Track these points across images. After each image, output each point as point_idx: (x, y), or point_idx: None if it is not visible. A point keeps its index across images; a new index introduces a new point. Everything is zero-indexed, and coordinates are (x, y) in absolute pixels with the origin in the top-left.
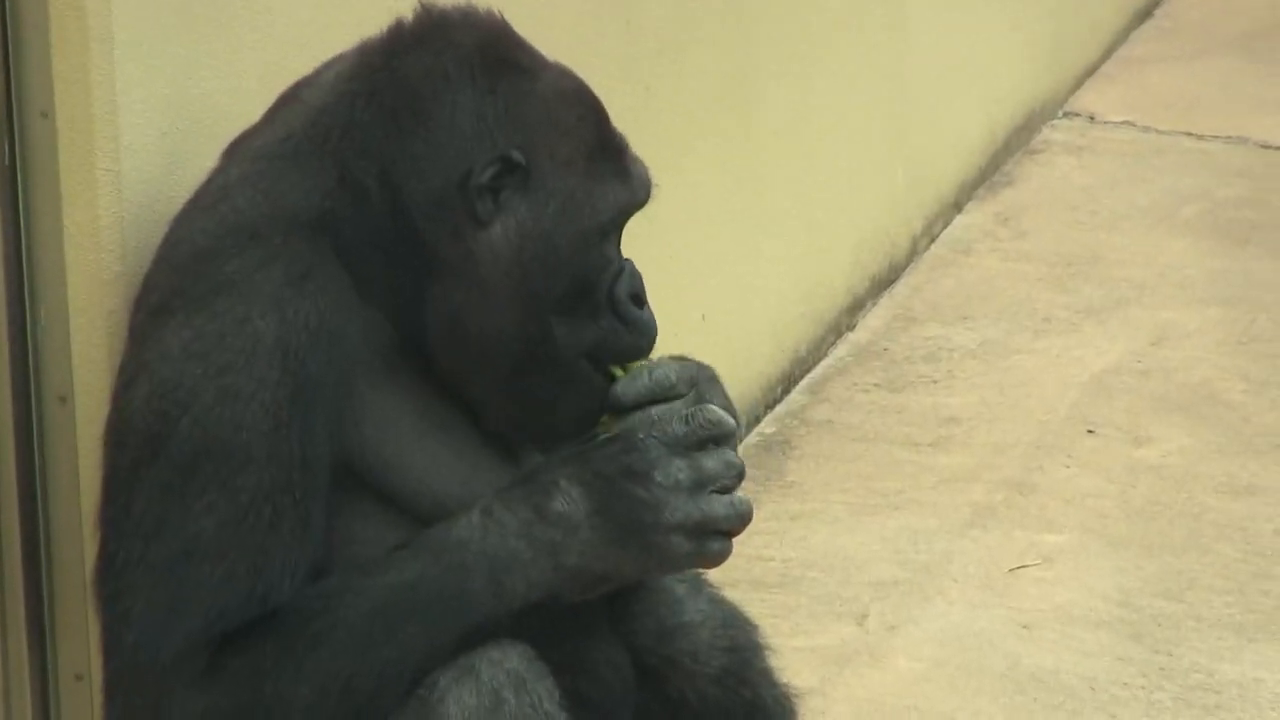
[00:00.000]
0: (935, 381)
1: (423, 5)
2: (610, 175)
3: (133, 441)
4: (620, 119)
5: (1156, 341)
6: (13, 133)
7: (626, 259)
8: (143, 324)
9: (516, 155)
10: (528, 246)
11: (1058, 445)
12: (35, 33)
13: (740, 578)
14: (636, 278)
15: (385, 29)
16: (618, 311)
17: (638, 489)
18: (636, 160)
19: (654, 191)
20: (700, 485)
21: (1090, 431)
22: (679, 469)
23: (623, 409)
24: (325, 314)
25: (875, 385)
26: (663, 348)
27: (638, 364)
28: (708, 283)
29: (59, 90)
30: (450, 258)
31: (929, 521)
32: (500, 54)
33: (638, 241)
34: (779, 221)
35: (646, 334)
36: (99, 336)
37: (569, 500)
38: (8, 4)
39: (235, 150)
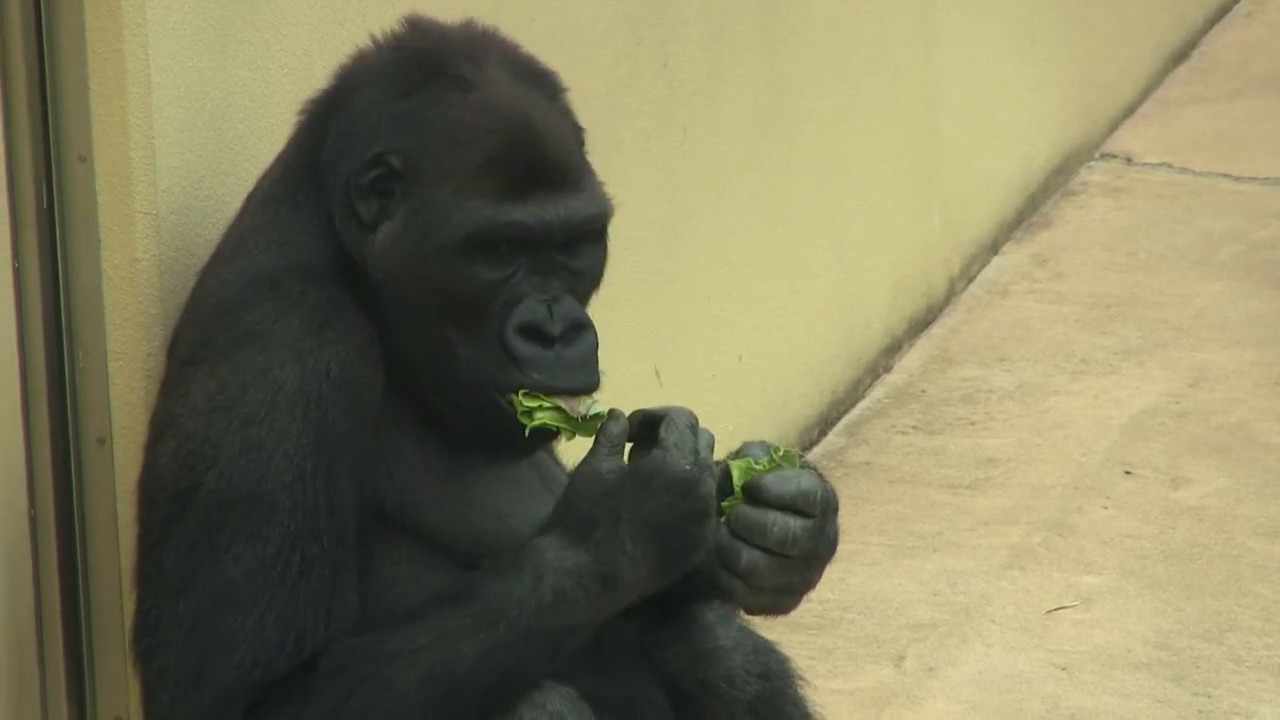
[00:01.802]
0: (973, 423)
1: (406, 18)
2: (493, 194)
3: (162, 498)
4: (657, 160)
5: (1194, 383)
6: (51, 176)
7: (543, 291)
8: (171, 377)
9: (394, 159)
10: (397, 255)
11: (1096, 487)
12: (74, 77)
13: (777, 619)
14: (537, 310)
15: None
16: (503, 345)
17: (696, 528)
18: (556, 190)
19: (556, 228)
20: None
21: (1128, 473)
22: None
23: (759, 500)
24: (345, 362)
25: (913, 427)
26: (700, 389)
27: (789, 454)
28: (745, 324)
29: (97, 134)
30: (362, 267)
31: (967, 563)
32: (441, 62)
33: (675, 284)
34: (816, 263)
35: (540, 371)
36: (137, 379)
37: (635, 564)
38: (46, 48)
39: (249, 199)
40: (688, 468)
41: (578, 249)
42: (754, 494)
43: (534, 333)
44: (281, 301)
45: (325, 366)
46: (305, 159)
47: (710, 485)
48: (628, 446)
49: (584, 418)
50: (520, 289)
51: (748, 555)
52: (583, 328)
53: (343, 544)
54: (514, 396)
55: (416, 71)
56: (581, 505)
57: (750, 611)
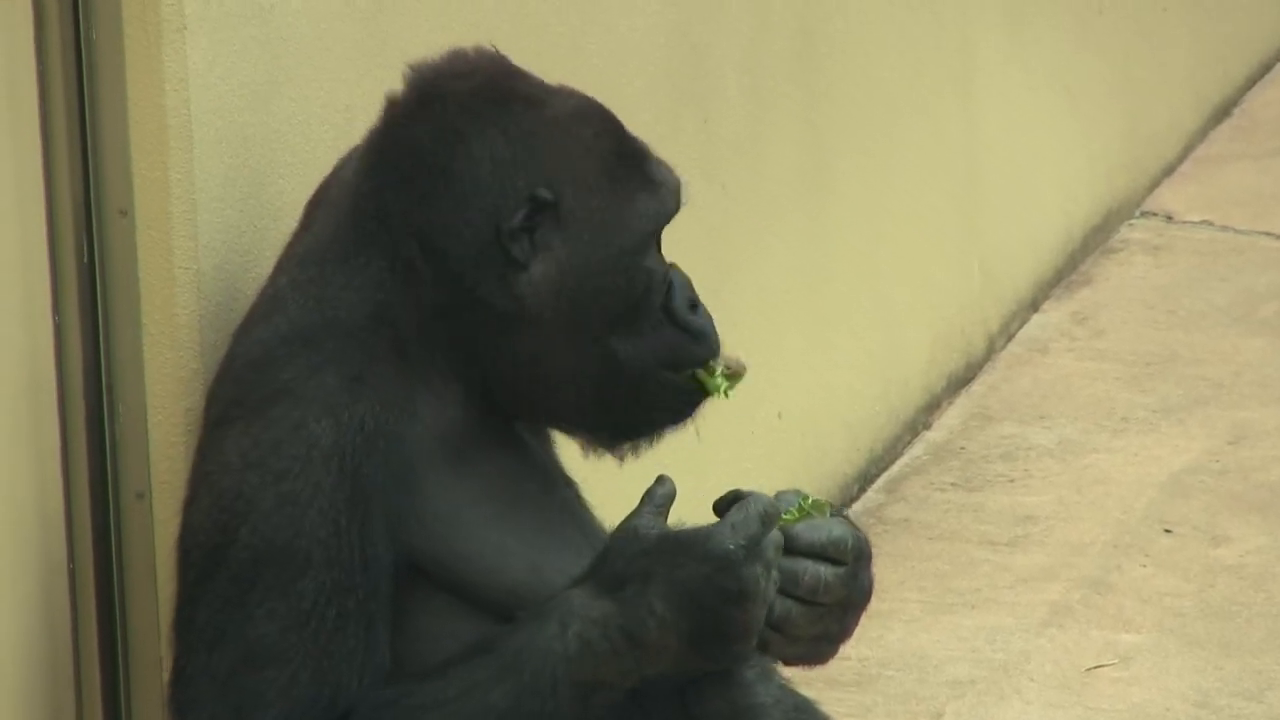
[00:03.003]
0: (1012, 480)
1: (410, 68)
2: (637, 189)
3: (196, 554)
4: (697, 216)
5: (1234, 441)
6: (92, 231)
7: (672, 266)
8: (205, 437)
9: (543, 193)
10: (569, 278)
11: (1135, 545)
12: (114, 131)
13: (815, 676)
14: (685, 283)
15: (381, 108)
16: (676, 321)
17: (733, 610)
18: (661, 165)
19: (685, 193)
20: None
21: (1168, 531)
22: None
23: (790, 549)
24: (380, 416)
25: (952, 484)
26: (740, 446)
27: (819, 503)
28: (783, 380)
29: (138, 189)
30: (503, 307)
31: (1005, 620)
32: (500, 92)
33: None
34: (855, 319)
35: (708, 337)
36: (176, 433)
37: (663, 627)
38: (87, 102)
39: (282, 260)
40: (731, 547)
41: None
42: (785, 544)
43: (694, 305)
44: (315, 357)
45: (360, 421)
46: (360, 219)
47: (756, 574)
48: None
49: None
50: (665, 270)
51: (781, 605)
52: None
53: (376, 598)
54: (702, 375)
55: (491, 109)
56: (616, 561)
57: (787, 662)
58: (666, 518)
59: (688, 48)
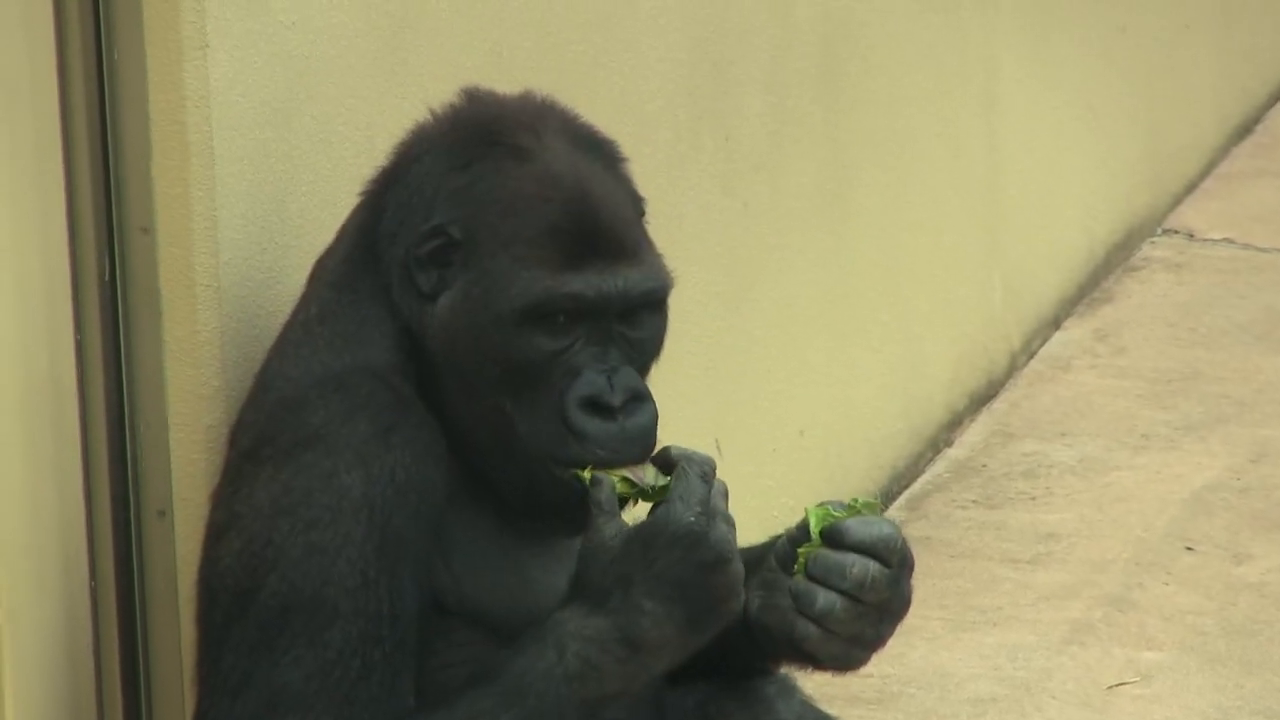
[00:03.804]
0: (1034, 498)
1: (464, 90)
2: (551, 264)
3: (223, 598)
4: (719, 233)
5: (1256, 459)
6: (113, 248)
7: (601, 361)
8: (235, 465)
9: (453, 229)
10: (455, 325)
11: (1157, 562)
12: (136, 148)
13: (837, 693)
14: (597, 381)
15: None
16: (565, 419)
17: (717, 577)
18: (615, 261)
19: (614, 298)
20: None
21: (1189, 549)
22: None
23: (840, 544)
24: (411, 467)
25: (973, 502)
26: (761, 463)
27: (870, 503)
28: (805, 398)
29: (159, 206)
30: (423, 340)
31: (1027, 638)
32: (499, 132)
33: (735, 356)
34: (876, 336)
35: (588, 441)
36: (198, 451)
37: (659, 623)
38: (109, 119)
39: (315, 274)
40: (691, 520)
41: (636, 319)
42: (834, 538)
43: (595, 405)
44: (347, 403)
45: (390, 471)
46: (365, 238)
47: (723, 532)
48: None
49: (653, 488)
50: (579, 359)
51: (824, 598)
52: (642, 399)
53: (403, 648)
54: (581, 473)
55: (474, 142)
56: (593, 576)
57: (821, 663)
58: (619, 515)
59: (709, 65)
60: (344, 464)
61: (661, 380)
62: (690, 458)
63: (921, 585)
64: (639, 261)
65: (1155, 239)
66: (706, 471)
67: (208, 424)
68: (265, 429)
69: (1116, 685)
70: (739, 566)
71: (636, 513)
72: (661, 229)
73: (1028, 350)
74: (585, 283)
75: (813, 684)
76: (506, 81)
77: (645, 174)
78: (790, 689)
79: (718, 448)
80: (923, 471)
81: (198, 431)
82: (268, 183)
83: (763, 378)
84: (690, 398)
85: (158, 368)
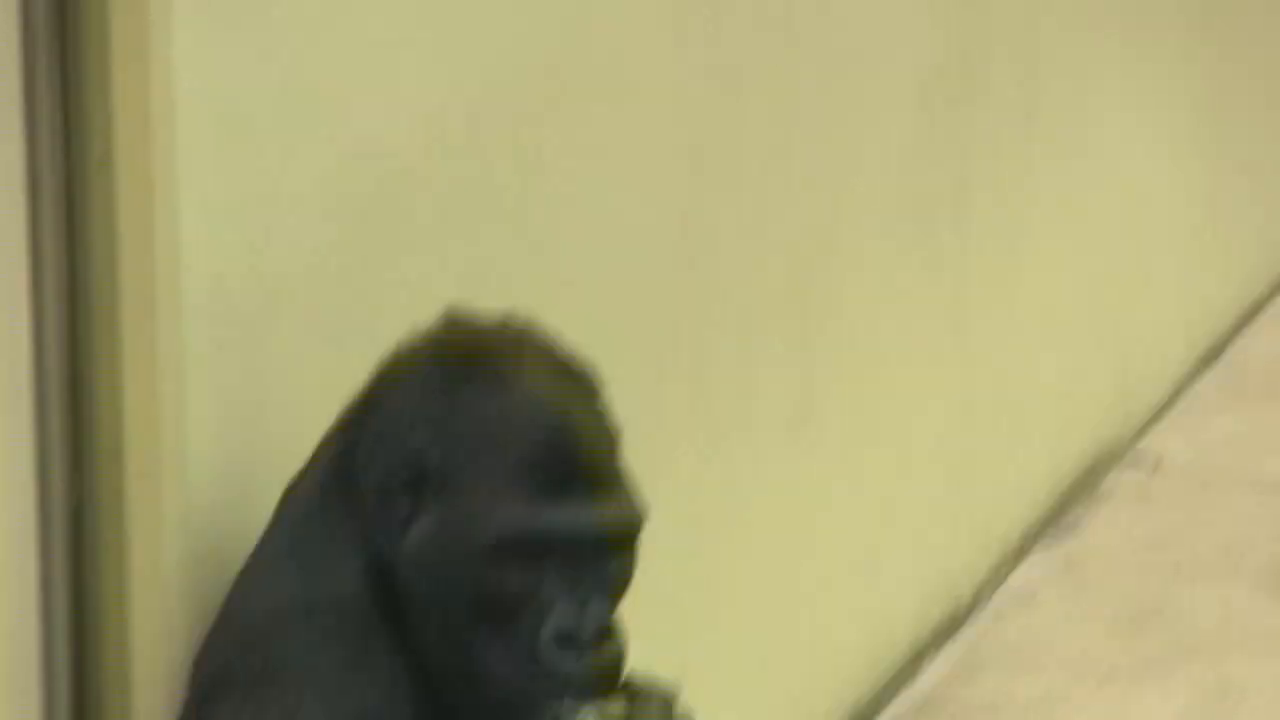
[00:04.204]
0: None
1: (443, 313)
2: (526, 498)
3: None
4: (685, 466)
5: (1222, 695)
6: (82, 473)
7: (573, 592)
8: (196, 692)
9: (430, 459)
10: (427, 555)
11: None
12: (105, 369)
13: None
14: (569, 615)
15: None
16: (537, 655)
17: None
18: (589, 495)
19: (589, 534)
20: None
21: None
22: None
23: None
24: (375, 709)
25: None
26: (725, 695)
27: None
28: (769, 631)
29: (128, 430)
30: (390, 565)
31: None
32: (477, 359)
33: (700, 589)
34: (840, 571)
35: (558, 679)
36: (159, 682)
37: None
38: (81, 333)
39: (285, 498)
40: None
41: (610, 554)
42: None
43: (568, 640)
44: (313, 636)
45: (356, 712)
46: (339, 463)
47: None
48: None
49: None
50: (551, 593)
51: None
52: (613, 631)
53: None
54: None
55: (452, 369)
56: None
57: None
58: None
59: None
60: (305, 702)
61: (627, 611)
62: (650, 692)
63: None
64: (615, 496)
65: (1123, 466)
66: (667, 702)
67: (170, 657)
68: (230, 658)
69: None
70: None
71: None
72: (630, 457)
73: (994, 582)
74: (561, 517)
75: None
76: (488, 295)
77: (616, 400)
78: None
79: (683, 675)
80: (885, 705)
81: (159, 665)
82: (240, 406)
83: (725, 610)
84: (654, 628)
85: (123, 602)
